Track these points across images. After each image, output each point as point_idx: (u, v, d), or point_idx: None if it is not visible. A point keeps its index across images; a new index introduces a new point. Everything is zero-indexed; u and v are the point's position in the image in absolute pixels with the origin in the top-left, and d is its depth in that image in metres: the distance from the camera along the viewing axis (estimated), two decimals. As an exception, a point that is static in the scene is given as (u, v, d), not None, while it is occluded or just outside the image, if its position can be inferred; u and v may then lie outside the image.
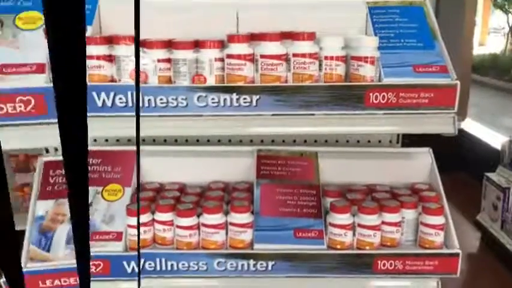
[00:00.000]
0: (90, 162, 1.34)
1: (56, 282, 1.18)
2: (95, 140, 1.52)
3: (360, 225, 1.23)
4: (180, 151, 1.44)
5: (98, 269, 1.19)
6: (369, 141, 1.54)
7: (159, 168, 1.41)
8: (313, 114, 1.17)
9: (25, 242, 1.21)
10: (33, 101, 1.06)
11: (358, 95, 1.15)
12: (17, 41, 1.03)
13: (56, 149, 1.42)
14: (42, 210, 1.25)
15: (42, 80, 1.09)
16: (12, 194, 4.15)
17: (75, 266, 1.15)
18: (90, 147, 1.42)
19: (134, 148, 1.39)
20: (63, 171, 1.27)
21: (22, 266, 1.15)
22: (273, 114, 1.17)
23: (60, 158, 1.31)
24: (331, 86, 1.16)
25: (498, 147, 3.93)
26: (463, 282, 3.45)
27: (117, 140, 1.52)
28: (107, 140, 1.52)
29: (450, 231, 1.25)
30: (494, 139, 4.69)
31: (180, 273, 1.22)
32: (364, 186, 1.38)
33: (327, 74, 1.18)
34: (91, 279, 1.16)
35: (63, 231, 1.22)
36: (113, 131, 1.19)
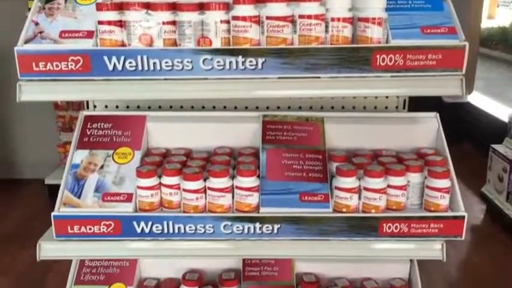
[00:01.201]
0: (102, 127, 1.36)
1: (83, 229, 1.21)
2: (106, 106, 1.53)
3: (365, 189, 1.24)
4: (186, 117, 1.44)
5: (109, 229, 1.21)
6: (375, 108, 1.53)
7: (165, 133, 1.41)
8: (319, 77, 1.16)
9: (61, 187, 1.26)
10: (81, 61, 1.15)
11: (365, 57, 1.14)
12: (75, 13, 1.23)
13: (95, 106, 1.52)
14: (78, 159, 1.31)
15: (90, 44, 1.19)
16: (56, 150, 4.24)
17: (100, 215, 1.19)
18: (101, 113, 1.46)
19: (144, 113, 1.40)
20: (99, 125, 1.30)
21: (56, 209, 1.21)
22: (279, 78, 1.16)
23: (98, 113, 1.33)
24: (338, 48, 1.15)
25: (505, 119, 3.91)
26: (467, 253, 3.49)
27: (127, 107, 1.53)
28: (117, 107, 1.53)
29: (456, 194, 1.25)
30: (502, 112, 4.67)
31: (187, 236, 1.23)
32: (370, 151, 1.38)
33: (333, 36, 1.17)
34: (103, 238, 1.20)
35: (93, 180, 1.27)
36: (123, 94, 1.20)
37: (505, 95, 5.19)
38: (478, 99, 5.33)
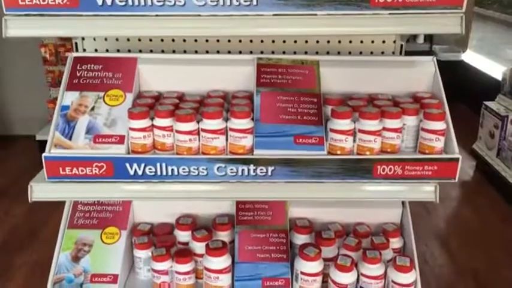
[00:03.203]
0: (92, 68, 1.32)
1: (74, 170, 1.19)
2: (96, 50, 1.49)
3: (360, 131, 1.23)
4: (178, 59, 1.41)
5: (101, 171, 1.20)
6: (371, 53, 1.50)
7: (157, 76, 1.38)
8: (315, 15, 1.13)
9: (51, 129, 1.24)
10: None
11: (363, -7, 1.10)
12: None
13: (83, 38, 1.48)
14: (68, 101, 1.28)
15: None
16: (46, 106, 4.19)
17: (92, 156, 1.17)
18: (91, 54, 1.42)
19: (134, 55, 1.36)
20: (89, 66, 1.27)
21: (47, 150, 1.19)
22: (274, 15, 1.13)
23: (88, 54, 1.29)
24: (335, -17, 1.11)
25: (499, 77, 3.90)
26: (456, 207, 3.55)
27: (118, 50, 1.49)
28: (107, 50, 1.49)
29: (450, 137, 1.25)
30: (495, 70, 4.64)
31: (181, 178, 1.22)
32: (365, 95, 1.37)
33: (331, -29, 1.12)
34: (95, 180, 1.19)
35: (84, 121, 1.25)
36: (112, 31, 1.16)
37: (499, 53, 5.15)
38: (472, 57, 5.30)
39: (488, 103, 3.76)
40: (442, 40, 5.30)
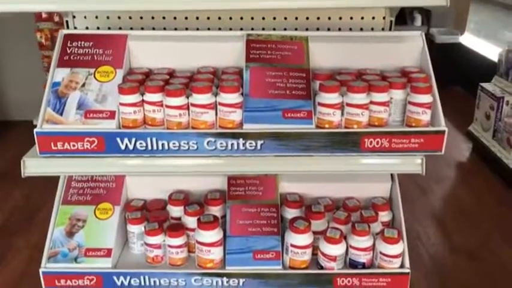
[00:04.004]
0: (82, 45, 1.33)
1: (66, 145, 1.21)
2: (87, 28, 1.50)
3: (348, 105, 1.24)
4: (168, 36, 1.42)
5: (93, 146, 1.22)
6: (361, 29, 1.51)
7: (147, 53, 1.39)
8: (302, -12, 1.13)
9: (43, 105, 1.25)
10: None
11: (349, -34, 1.11)
12: None
13: (74, 16, 1.49)
14: (59, 77, 1.29)
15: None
16: (43, 91, 4.22)
17: (83, 131, 1.19)
18: (81, 31, 1.42)
19: (125, 32, 1.37)
20: (80, 43, 1.28)
21: (38, 126, 1.21)
22: (261, -12, 1.14)
23: (78, 31, 1.30)
24: (322, -44, 1.11)
25: (495, 59, 3.90)
26: (451, 188, 3.58)
27: (109, 28, 1.50)
28: (98, 28, 1.50)
29: (437, 110, 1.26)
30: (492, 52, 4.64)
31: (171, 152, 1.24)
32: (354, 70, 1.38)
33: None
34: (87, 155, 1.21)
35: (75, 97, 1.26)
36: (101, 5, 1.17)
37: (497, 36, 5.13)
38: (469, 40, 5.28)
39: (485, 84, 3.76)
40: (440, 23, 5.29)
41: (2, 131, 4.37)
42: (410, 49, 1.39)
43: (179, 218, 1.45)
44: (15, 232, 2.88)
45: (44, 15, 3.99)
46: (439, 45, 5.01)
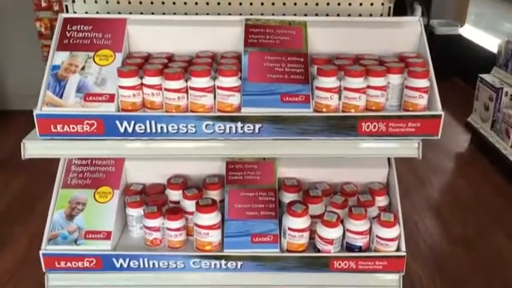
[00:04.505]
0: (82, 29, 1.34)
1: (66, 128, 1.22)
2: (86, 12, 1.50)
3: (345, 89, 1.25)
4: (167, 20, 1.42)
5: (92, 128, 1.23)
6: (360, 15, 1.52)
7: (146, 37, 1.40)
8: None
9: (42, 88, 1.26)
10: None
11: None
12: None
13: (74, 1, 1.50)
14: (58, 61, 1.30)
15: None
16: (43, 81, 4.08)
17: (83, 114, 1.20)
18: (80, 15, 1.43)
19: (124, 16, 1.38)
20: (79, 27, 1.29)
21: (38, 108, 1.21)
22: (259, -28, 1.14)
23: (78, 15, 1.31)
24: None
25: (495, 51, 3.90)
26: (449, 179, 3.59)
27: (108, 13, 1.50)
28: (97, 12, 1.50)
29: (434, 95, 1.27)
30: (492, 43, 4.64)
31: (170, 135, 1.25)
32: (352, 55, 1.38)
33: None
34: (86, 138, 1.22)
35: (75, 80, 1.27)
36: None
37: (497, 28, 5.12)
38: (469, 31, 5.28)
39: (484, 76, 3.77)
40: (440, 14, 5.28)
41: (2, 120, 4.38)
42: (408, 35, 1.40)
43: (178, 202, 1.47)
44: (15, 220, 2.90)
45: (43, 4, 3.99)
46: (439, 37, 5.01)
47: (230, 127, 1.25)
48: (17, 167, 3.52)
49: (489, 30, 5.12)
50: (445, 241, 2.79)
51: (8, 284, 2.36)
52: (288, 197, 1.46)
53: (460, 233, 2.85)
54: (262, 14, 1.50)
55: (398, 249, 1.38)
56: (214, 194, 1.46)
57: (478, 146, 3.84)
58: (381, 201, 1.48)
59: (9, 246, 2.66)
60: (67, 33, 1.34)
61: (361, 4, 1.51)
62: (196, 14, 1.51)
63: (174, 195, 1.47)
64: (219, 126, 1.24)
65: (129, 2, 1.49)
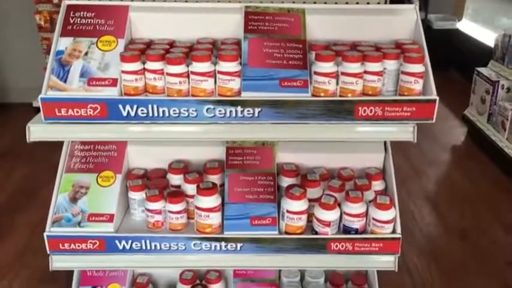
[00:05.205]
0: (85, 16, 1.37)
1: (70, 112, 1.25)
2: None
3: (343, 74, 1.28)
4: (169, 7, 1.45)
5: (96, 112, 1.26)
6: (357, 3, 1.55)
7: (148, 24, 1.43)
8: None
9: (47, 72, 1.29)
10: None
11: None
12: None
13: None
14: (62, 46, 1.33)
15: None
16: (42, 73, 4.25)
17: (86, 97, 1.22)
18: (83, 2, 1.45)
19: (126, 3, 1.41)
20: (82, 14, 1.31)
21: (43, 92, 1.24)
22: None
23: (80, 2, 1.33)
24: None
25: (492, 45, 3.93)
26: (446, 171, 3.63)
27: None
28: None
29: (429, 80, 1.30)
30: (489, 38, 4.67)
31: (172, 119, 1.28)
32: (350, 42, 1.42)
33: None
34: (90, 121, 1.25)
35: (79, 65, 1.31)
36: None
37: (494, 22, 5.16)
38: (466, 26, 5.31)
39: (481, 69, 3.81)
40: (438, 9, 5.31)
41: (2, 113, 4.40)
42: (404, 22, 1.43)
43: (179, 186, 1.50)
44: (16, 211, 2.92)
45: (43, -3, 4.01)
46: (436, 31, 5.05)
47: (230, 111, 1.28)
48: (17, 158, 3.55)
49: (486, 24, 5.15)
50: (441, 231, 2.83)
51: (10, 272, 2.40)
52: (286, 182, 1.49)
53: (456, 223, 2.89)
54: (261, 2, 1.53)
55: (393, 231, 1.41)
56: (214, 178, 1.49)
57: (475, 138, 3.88)
58: (377, 185, 1.52)
59: (10, 236, 2.70)
60: (70, 19, 1.37)
61: (358, -8, 1.54)
62: (197, 1, 1.53)
63: (175, 179, 1.51)
64: (220, 110, 1.28)
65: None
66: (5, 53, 4.49)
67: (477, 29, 5.17)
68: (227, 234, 1.40)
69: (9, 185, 3.23)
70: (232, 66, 1.28)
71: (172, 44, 1.41)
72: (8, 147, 3.75)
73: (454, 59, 4.92)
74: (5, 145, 3.78)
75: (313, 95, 1.30)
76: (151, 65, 1.28)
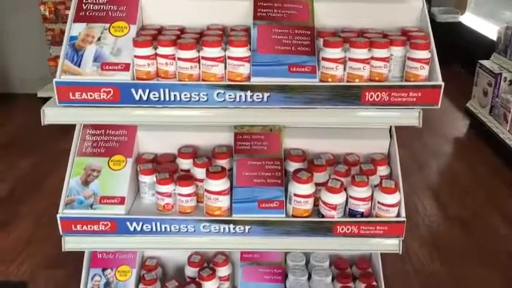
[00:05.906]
0: (97, 2, 1.39)
1: (84, 95, 1.29)
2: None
3: (350, 59, 1.31)
4: (179, -6, 1.48)
5: (109, 96, 1.29)
6: (363, -8, 1.57)
7: (159, 11, 1.46)
8: None
9: (61, 57, 1.33)
10: None
11: None
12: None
13: None
14: (75, 32, 1.36)
15: None
16: (47, 64, 4.27)
17: (100, 81, 1.25)
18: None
19: (135, -10, 1.43)
20: (94, 0, 1.34)
21: (57, 76, 1.28)
22: None
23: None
24: None
25: (494, 38, 3.96)
26: (448, 162, 3.66)
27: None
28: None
29: (434, 66, 1.33)
30: (492, 31, 4.69)
31: (183, 103, 1.31)
32: (357, 29, 1.44)
33: None
34: (102, 105, 1.27)
35: (92, 50, 1.34)
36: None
37: (497, 15, 5.17)
38: (469, 19, 5.32)
39: (483, 62, 3.83)
40: (441, 2, 5.32)
41: (6, 103, 4.43)
42: (410, 10, 1.46)
43: (188, 171, 1.53)
44: (21, 200, 2.95)
45: (48, -12, 4.03)
46: (439, 24, 5.06)
47: (240, 96, 1.31)
48: (22, 148, 3.58)
49: (489, 18, 5.16)
50: (443, 221, 2.86)
51: (16, 260, 2.42)
52: (293, 166, 1.52)
53: (458, 213, 2.92)
54: (269, -9, 1.55)
55: (398, 215, 1.44)
56: (223, 163, 1.52)
57: (477, 131, 3.90)
58: (382, 170, 1.55)
59: (16, 225, 2.72)
60: (83, 5, 1.40)
61: (365, -19, 1.56)
62: (206, -10, 1.56)
63: (185, 164, 1.54)
64: (230, 95, 1.30)
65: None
66: (10, 43, 4.51)
67: (480, 22, 5.18)
68: (235, 216, 1.43)
69: (14, 176, 3.25)
70: (242, 52, 1.31)
71: (182, 30, 1.43)
72: (13, 137, 3.78)
73: (456, 52, 4.94)
74: (9, 135, 3.81)
75: (321, 81, 1.33)
76: (163, 50, 1.31)
